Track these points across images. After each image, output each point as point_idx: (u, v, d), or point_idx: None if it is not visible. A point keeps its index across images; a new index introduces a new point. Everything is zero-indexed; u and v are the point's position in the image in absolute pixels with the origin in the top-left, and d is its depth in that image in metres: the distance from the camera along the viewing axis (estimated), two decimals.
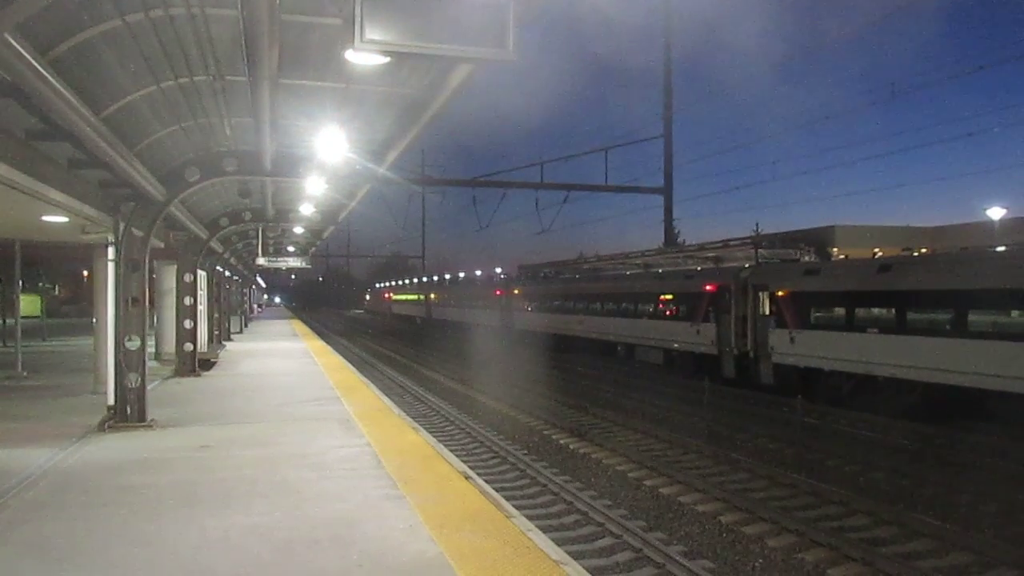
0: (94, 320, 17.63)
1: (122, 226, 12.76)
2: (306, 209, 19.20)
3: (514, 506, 8.58)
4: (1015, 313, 16.09)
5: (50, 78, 6.46)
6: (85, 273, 62.44)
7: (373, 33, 5.18)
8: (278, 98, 8.73)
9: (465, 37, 5.21)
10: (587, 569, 6.54)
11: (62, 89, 6.81)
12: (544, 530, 8.13)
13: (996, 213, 25.36)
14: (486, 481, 10.04)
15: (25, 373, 20.28)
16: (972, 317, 16.62)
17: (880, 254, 23.15)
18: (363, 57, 5.78)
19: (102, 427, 12.41)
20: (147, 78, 8.84)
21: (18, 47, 5.63)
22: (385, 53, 5.36)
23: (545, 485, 13.23)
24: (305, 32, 7.32)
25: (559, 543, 7.46)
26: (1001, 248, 18.56)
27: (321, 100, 10.07)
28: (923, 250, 24.20)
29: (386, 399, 16.58)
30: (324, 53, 7.79)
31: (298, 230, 25.76)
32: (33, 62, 6.00)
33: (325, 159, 12.16)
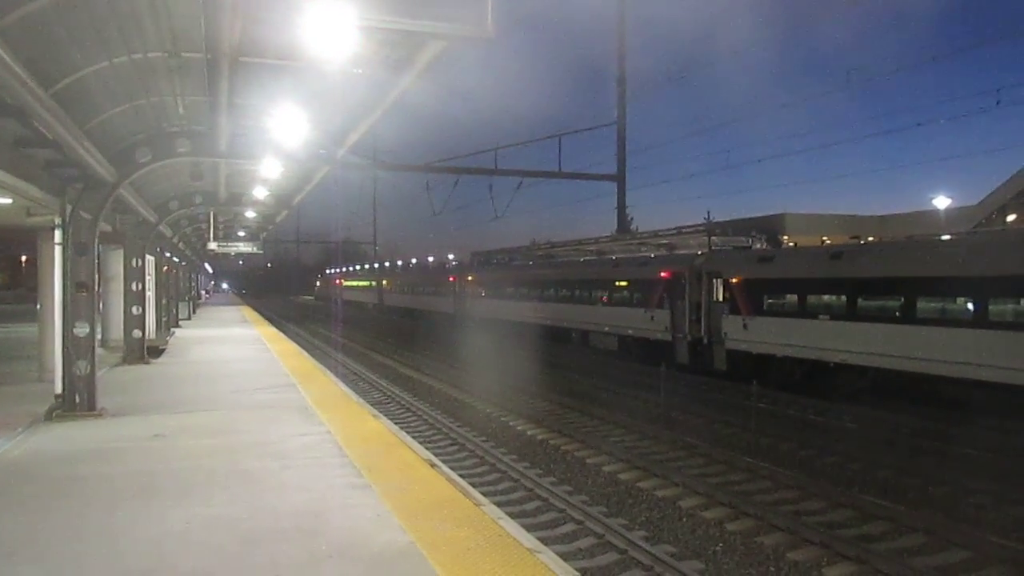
0: (39, 306, 17.04)
1: (69, 208, 12.30)
2: (260, 192, 18.80)
3: None
4: (961, 300, 16.50)
5: None
6: (23, 258, 60.60)
7: (345, 7, 5.01)
8: (237, 77, 8.46)
9: (440, 12, 5.08)
10: None
11: (10, 62, 6.47)
12: None
13: (942, 203, 25.99)
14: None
15: None
16: (920, 304, 16.99)
17: (828, 242, 23.58)
18: (332, 33, 5.60)
19: (49, 416, 12.02)
20: (99, 53, 8.49)
21: None
22: (357, 28, 5.20)
23: (505, 472, 13.19)
24: (268, 6, 7.06)
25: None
26: (946, 236, 19.01)
27: (280, 79, 9.77)
28: (870, 238, 24.72)
29: (343, 386, 16.36)
30: (287, 29, 7.53)
31: (250, 214, 25.25)
32: None
33: (282, 141, 11.86)
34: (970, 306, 16.07)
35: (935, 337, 16.26)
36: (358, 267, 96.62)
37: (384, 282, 72.39)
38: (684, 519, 10.80)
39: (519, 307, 37.20)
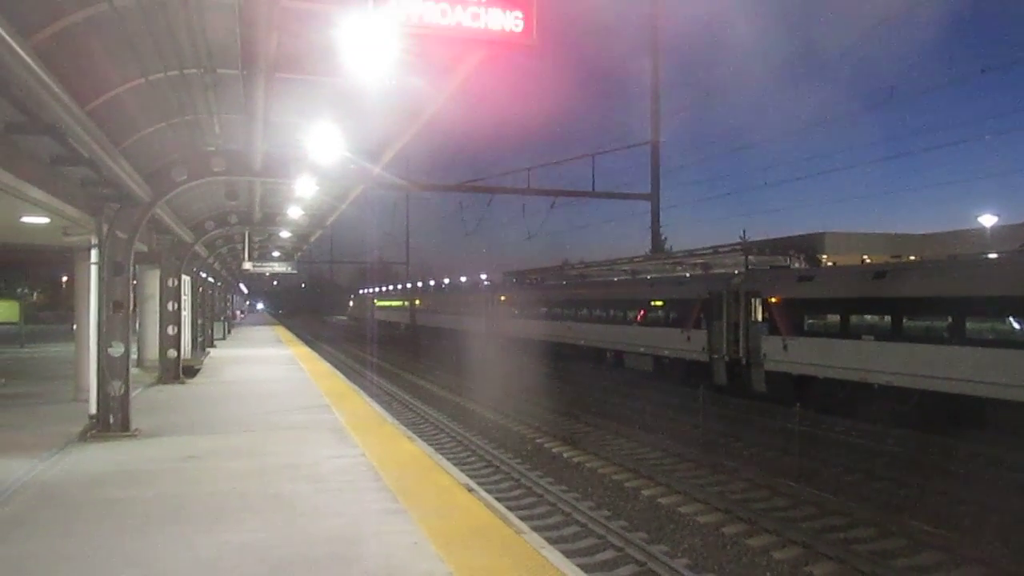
0: (75, 326, 17.10)
1: (105, 228, 12.29)
2: (294, 212, 18.79)
3: None
4: (1011, 320, 15.93)
5: (33, 65, 6.05)
6: (64, 278, 61.60)
7: (386, 15, 4.83)
8: (272, 93, 8.36)
9: (482, 18, 4.89)
10: None
11: (46, 78, 6.38)
12: None
13: (988, 220, 25.31)
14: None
15: (2, 380, 19.65)
16: (968, 324, 16.43)
17: (868, 261, 23.02)
18: (369, 46, 5.42)
19: (84, 437, 11.95)
20: (134, 70, 8.43)
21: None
22: (395, 39, 5.02)
23: (541, 495, 12.89)
24: (306, 20, 6.94)
25: None
26: (993, 255, 18.41)
27: (315, 96, 9.69)
28: (911, 257, 24.10)
29: (377, 407, 16.18)
30: (323, 43, 7.40)
31: (285, 234, 25.32)
32: (15, 47, 5.58)
33: (317, 159, 11.77)
34: (1019, 326, 15.51)
35: (985, 358, 15.70)
36: (390, 287, 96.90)
37: (416, 302, 72.41)
38: (728, 546, 10.44)
39: (551, 327, 36.85)
